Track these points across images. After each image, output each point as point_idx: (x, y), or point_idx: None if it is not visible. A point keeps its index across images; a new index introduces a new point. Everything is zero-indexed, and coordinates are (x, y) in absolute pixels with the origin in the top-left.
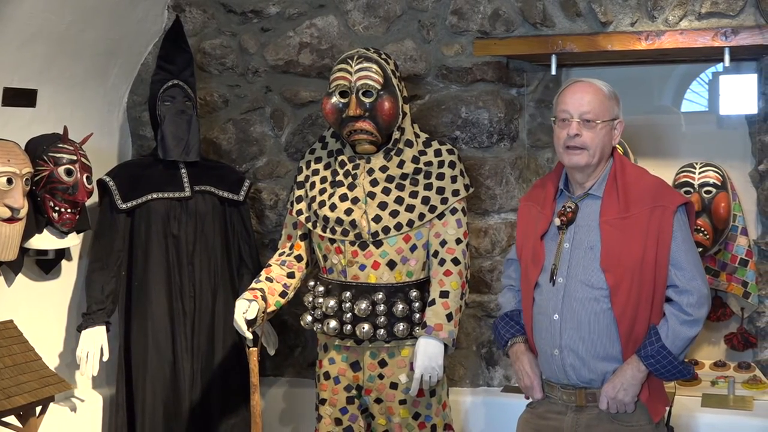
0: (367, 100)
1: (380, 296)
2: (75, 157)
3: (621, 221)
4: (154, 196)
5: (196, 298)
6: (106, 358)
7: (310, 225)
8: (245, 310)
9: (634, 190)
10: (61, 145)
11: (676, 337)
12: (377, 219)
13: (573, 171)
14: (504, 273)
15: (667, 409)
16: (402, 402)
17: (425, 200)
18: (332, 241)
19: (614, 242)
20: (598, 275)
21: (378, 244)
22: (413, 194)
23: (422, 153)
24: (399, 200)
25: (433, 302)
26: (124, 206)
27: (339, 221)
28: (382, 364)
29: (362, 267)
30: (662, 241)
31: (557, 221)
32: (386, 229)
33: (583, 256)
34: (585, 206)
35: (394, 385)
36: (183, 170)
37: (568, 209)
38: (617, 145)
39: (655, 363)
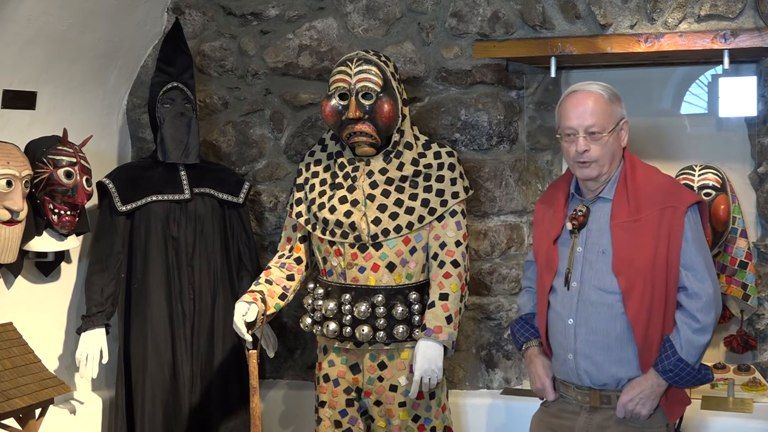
0: (366, 103)
1: (380, 298)
2: (74, 160)
3: (632, 224)
4: (154, 198)
5: (195, 301)
6: (105, 360)
7: (309, 227)
8: (245, 312)
9: (644, 191)
10: (60, 148)
11: (690, 347)
12: (377, 221)
13: (586, 181)
14: (523, 275)
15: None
16: (401, 404)
17: (425, 202)
18: (332, 243)
19: (625, 245)
20: (610, 279)
21: (377, 246)
22: (413, 196)
23: (422, 155)
24: (398, 202)
25: (432, 304)
26: (123, 208)
27: (338, 223)
28: (382, 366)
29: (362, 269)
30: (673, 242)
31: (569, 225)
32: (386, 232)
33: (596, 260)
34: (596, 209)
35: (393, 388)
36: (182, 172)
37: (579, 213)
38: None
39: (674, 376)
